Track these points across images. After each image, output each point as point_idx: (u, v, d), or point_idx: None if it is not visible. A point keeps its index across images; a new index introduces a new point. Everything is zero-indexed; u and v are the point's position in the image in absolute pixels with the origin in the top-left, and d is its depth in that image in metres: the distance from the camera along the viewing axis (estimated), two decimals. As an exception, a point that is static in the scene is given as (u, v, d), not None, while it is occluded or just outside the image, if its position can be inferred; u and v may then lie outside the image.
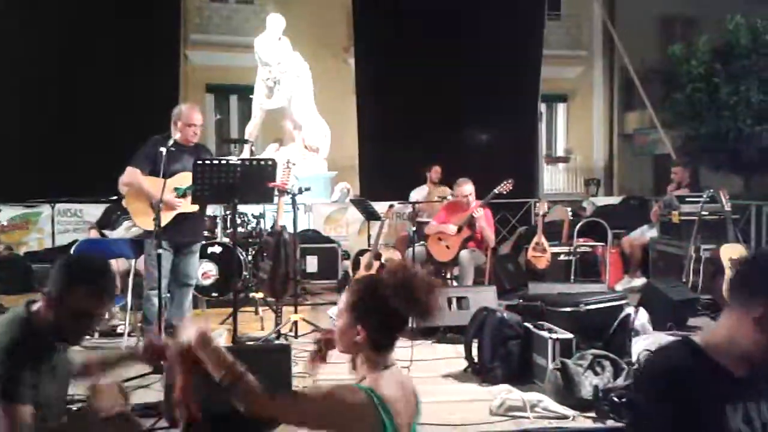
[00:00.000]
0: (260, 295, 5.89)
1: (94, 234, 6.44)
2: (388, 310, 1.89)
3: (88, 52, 9.33)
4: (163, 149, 4.45)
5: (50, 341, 2.20)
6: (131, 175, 4.67)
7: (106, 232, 6.38)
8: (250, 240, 6.93)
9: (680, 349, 1.60)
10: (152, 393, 3.73)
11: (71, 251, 4.99)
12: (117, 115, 8.94)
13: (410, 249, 6.48)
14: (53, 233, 7.07)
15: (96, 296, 2.19)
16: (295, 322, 5.17)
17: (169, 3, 10.34)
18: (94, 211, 7.49)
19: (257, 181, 4.63)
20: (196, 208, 4.72)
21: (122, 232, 5.42)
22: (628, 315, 4.35)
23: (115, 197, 6.01)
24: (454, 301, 5.27)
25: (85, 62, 9.32)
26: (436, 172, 8.44)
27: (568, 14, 15.63)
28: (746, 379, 1.47)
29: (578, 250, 6.99)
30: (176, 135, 4.68)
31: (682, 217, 6.61)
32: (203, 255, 6.12)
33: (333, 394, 1.80)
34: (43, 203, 7.98)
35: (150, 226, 4.50)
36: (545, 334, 4.01)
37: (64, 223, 8.01)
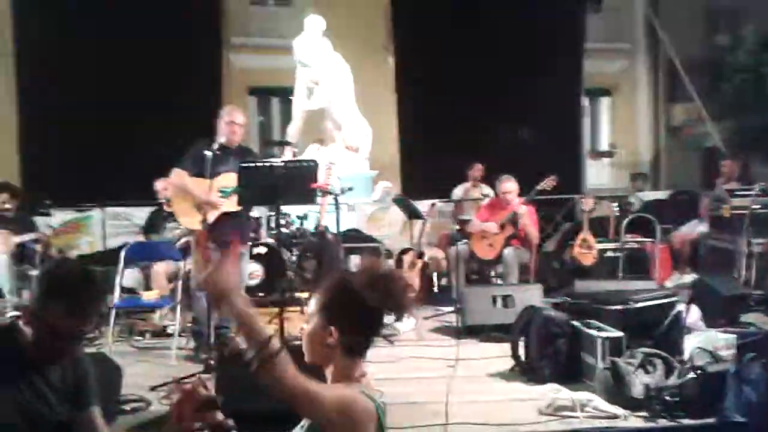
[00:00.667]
0: (306, 294, 5.94)
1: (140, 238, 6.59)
2: (364, 307, 1.78)
3: (132, 58, 9.52)
4: (209, 152, 4.53)
5: (33, 359, 1.99)
6: (177, 176, 4.78)
7: (151, 235, 6.51)
8: (294, 240, 6.99)
9: None
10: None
11: (121, 254, 5.10)
12: (162, 120, 9.11)
13: (453, 247, 6.45)
14: (104, 236, 7.25)
15: (75, 313, 1.94)
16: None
17: (209, 7, 10.50)
18: (143, 214, 7.66)
19: (299, 183, 4.68)
20: (240, 207, 4.78)
21: (168, 235, 5.55)
22: (680, 312, 4.27)
23: (157, 203, 6.13)
24: (499, 299, 5.25)
25: (130, 68, 9.51)
26: (478, 170, 8.38)
27: (609, 6, 15.33)
28: None
29: (626, 246, 6.87)
30: (222, 138, 4.76)
31: (733, 211, 6.45)
32: (249, 256, 6.20)
33: (344, 397, 1.71)
34: (94, 207, 8.18)
35: (193, 226, 4.61)
36: (594, 332, 3.96)
37: (115, 227, 8.19)
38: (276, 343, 1.63)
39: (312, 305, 1.85)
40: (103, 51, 9.48)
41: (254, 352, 1.62)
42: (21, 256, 5.78)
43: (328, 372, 1.82)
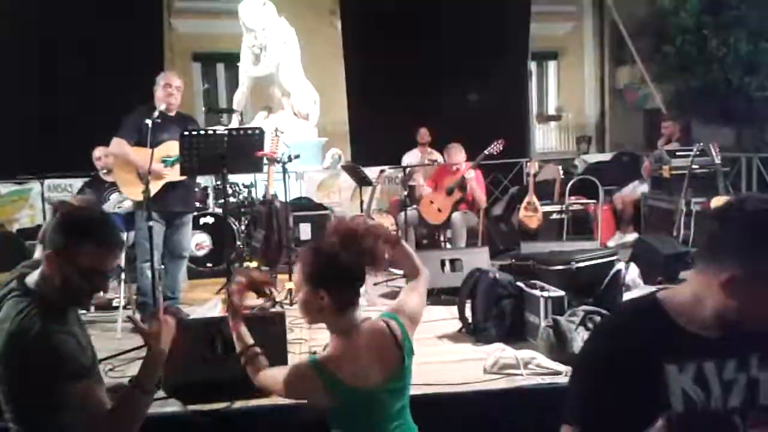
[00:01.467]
0: (254, 264, 5.91)
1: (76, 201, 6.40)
2: (342, 266, 1.96)
3: (70, 24, 9.17)
4: (149, 121, 4.43)
5: (63, 306, 2.04)
6: (118, 145, 4.68)
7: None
8: (242, 210, 6.92)
9: (640, 302, 1.61)
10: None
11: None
12: (101, 87, 8.83)
13: (402, 213, 6.49)
14: (44, 209, 7.05)
15: (105, 250, 2.02)
16: (290, 290, 5.20)
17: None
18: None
19: (246, 151, 4.63)
20: (183, 177, 4.72)
21: (112, 206, 5.40)
22: (619, 271, 4.40)
23: (92, 174, 5.98)
24: (447, 263, 5.31)
25: (67, 34, 9.17)
26: (423, 134, 8.38)
27: (556, -31, 15.41)
28: (710, 339, 1.42)
29: (570, 208, 7.03)
30: (161, 105, 4.66)
31: (673, 172, 6.63)
32: (196, 226, 6.12)
33: (287, 382, 2.01)
34: (33, 179, 7.94)
35: (138, 197, 4.53)
36: (537, 292, 4.05)
37: (55, 199, 7.98)
38: (256, 349, 2.18)
39: (296, 278, 2.08)
40: (41, 17, 9.10)
41: (240, 353, 2.19)
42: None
43: (329, 329, 2.06)
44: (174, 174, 4.65)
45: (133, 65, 8.80)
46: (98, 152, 5.76)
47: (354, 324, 2.02)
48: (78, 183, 7.73)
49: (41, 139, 8.76)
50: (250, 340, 2.21)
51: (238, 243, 6.52)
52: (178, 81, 4.85)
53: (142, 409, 2.06)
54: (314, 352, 3.88)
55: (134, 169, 4.63)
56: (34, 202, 8.09)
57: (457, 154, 6.44)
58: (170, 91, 4.73)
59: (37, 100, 9.03)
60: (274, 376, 2.08)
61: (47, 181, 7.39)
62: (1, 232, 7.30)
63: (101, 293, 2.23)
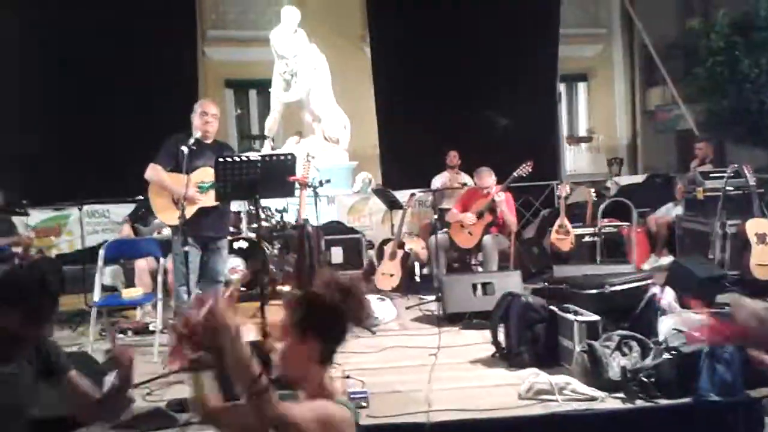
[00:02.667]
0: (287, 288, 5.95)
1: (127, 228, 6.54)
2: (335, 319, 1.91)
3: (108, 53, 9.42)
4: (185, 147, 4.52)
5: None
6: (153, 171, 4.76)
7: (139, 226, 6.49)
8: (274, 234, 7.00)
9: None
10: (186, 389, 3.81)
11: (101, 252, 5.07)
12: (138, 115, 9.04)
13: (433, 236, 6.50)
14: (82, 235, 7.20)
15: (22, 318, 2.00)
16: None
17: (186, 0, 10.42)
18: (121, 210, 7.63)
19: (278, 176, 4.67)
20: (217, 202, 4.77)
21: (151, 232, 5.53)
22: (654, 294, 4.34)
23: (141, 197, 6.11)
24: (480, 286, 5.31)
25: (106, 64, 9.42)
26: (453, 157, 8.43)
27: (584, -9, 15.42)
28: None
29: (603, 230, 6.95)
30: (196, 133, 4.75)
31: (707, 194, 6.53)
32: (229, 250, 6.19)
33: (323, 413, 1.81)
34: (71, 206, 8.12)
35: (173, 221, 4.61)
36: (571, 316, 4.01)
37: (93, 224, 8.16)
38: (264, 380, 1.74)
39: (281, 323, 1.93)
40: (78, 47, 9.37)
41: (246, 387, 1.73)
42: None
43: (304, 386, 1.91)
44: (208, 200, 4.72)
45: (170, 92, 9.02)
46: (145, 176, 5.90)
47: (328, 383, 1.93)
48: (115, 209, 7.92)
49: (79, 165, 8.97)
50: (257, 370, 1.89)
51: (271, 267, 6.58)
52: (215, 109, 4.93)
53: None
54: (347, 376, 3.90)
55: (169, 194, 4.72)
56: (72, 228, 8.27)
57: (487, 177, 6.44)
58: (207, 119, 4.81)
59: (75, 127, 9.26)
60: (299, 410, 1.83)
61: (85, 207, 7.55)
62: (39, 257, 7.47)
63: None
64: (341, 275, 2.00)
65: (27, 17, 9.30)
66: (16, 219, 6.75)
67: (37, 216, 8.11)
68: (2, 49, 9.50)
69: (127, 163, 5.88)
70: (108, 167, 8.46)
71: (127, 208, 7.05)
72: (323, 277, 1.99)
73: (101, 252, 5.10)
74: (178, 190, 4.57)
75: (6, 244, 5.79)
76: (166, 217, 4.79)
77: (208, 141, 4.87)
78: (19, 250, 6.01)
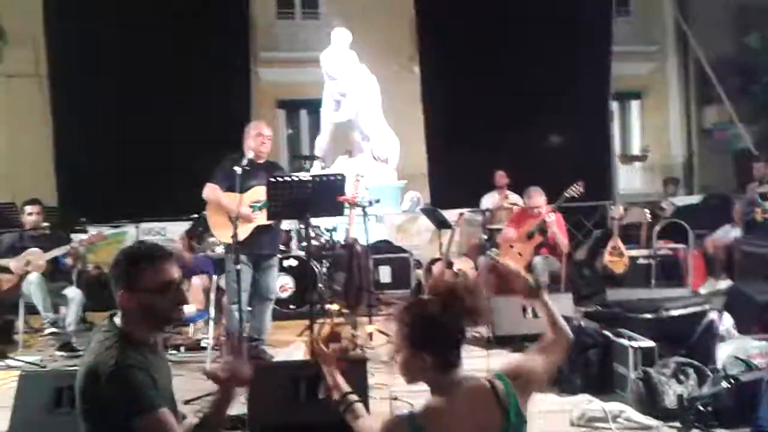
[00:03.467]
0: (336, 306, 5.98)
1: (180, 244, 6.68)
2: (443, 327, 1.89)
3: (163, 75, 9.71)
4: (238, 168, 4.61)
5: (146, 340, 2.16)
6: (210, 190, 4.91)
7: (194, 244, 6.62)
8: (323, 252, 7.06)
9: None
10: (236, 405, 3.85)
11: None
12: (193, 135, 9.28)
13: (482, 257, 6.45)
14: (138, 252, 7.35)
15: (159, 263, 2.15)
16: (370, 334, 5.24)
17: (239, 23, 10.66)
18: (177, 228, 7.80)
19: (328, 196, 4.75)
20: (270, 221, 4.89)
21: (206, 249, 5.66)
22: (712, 320, 4.21)
23: (196, 215, 6.24)
24: (530, 309, 5.21)
25: (161, 85, 9.71)
26: (500, 176, 8.33)
27: (637, 9, 15.21)
28: None
29: (658, 253, 6.79)
30: (249, 153, 4.85)
31: (766, 215, 6.34)
32: (279, 268, 6.27)
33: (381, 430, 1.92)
34: (128, 223, 8.34)
35: (228, 239, 4.70)
36: (626, 342, 3.93)
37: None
38: (353, 396, 2.15)
39: (393, 336, 1.97)
40: (135, 68, 9.68)
41: (338, 402, 2.16)
42: (55, 272, 5.87)
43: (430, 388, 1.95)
44: (262, 218, 4.83)
45: (224, 113, 9.23)
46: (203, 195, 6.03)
47: (455, 382, 1.92)
48: (171, 226, 8.10)
49: (137, 184, 9.23)
50: (347, 388, 2.18)
51: (320, 285, 6.63)
52: (269, 130, 5.07)
53: None
54: (395, 397, 3.88)
55: (225, 213, 4.83)
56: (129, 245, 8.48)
57: (537, 197, 6.36)
58: (261, 140, 4.95)
59: (133, 147, 9.55)
60: (371, 426, 2.05)
61: (142, 225, 7.74)
62: (97, 273, 7.68)
63: (184, 308, 2.32)
64: (453, 276, 2.03)
65: (91, 41, 9.66)
66: (75, 237, 6.97)
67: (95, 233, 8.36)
68: (67, 69, 9.91)
69: (183, 182, 6.05)
70: (164, 186, 8.68)
71: (182, 226, 7.20)
72: (430, 283, 2.03)
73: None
74: (234, 209, 4.69)
75: (57, 256, 5.93)
76: (223, 235, 4.91)
77: (261, 161, 4.98)
78: (70, 261, 6.17)
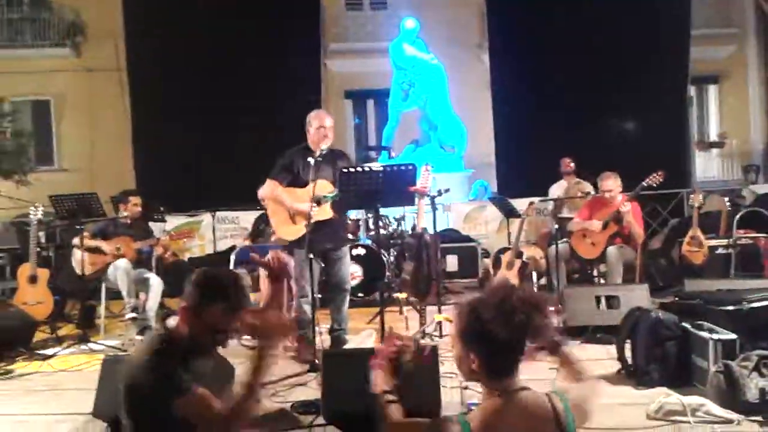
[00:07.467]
0: (404, 295, 6.01)
1: (247, 243, 6.87)
2: (491, 337, 1.80)
3: (236, 68, 9.95)
4: (311, 159, 4.61)
5: (186, 352, 2.18)
6: (270, 188, 4.83)
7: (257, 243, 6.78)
8: (391, 241, 7.10)
9: None
10: (310, 391, 3.95)
11: (231, 257, 5.33)
12: (264, 127, 9.49)
13: (553, 246, 6.34)
14: (214, 240, 7.61)
15: (233, 312, 2.19)
16: (439, 323, 5.24)
17: (309, 15, 10.81)
18: (249, 217, 8.01)
19: (399, 186, 4.73)
20: (330, 214, 4.77)
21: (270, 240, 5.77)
22: (797, 313, 4.03)
23: (262, 209, 6.36)
24: (603, 299, 5.12)
25: (234, 78, 9.95)
26: (566, 163, 8.07)
27: (716, -9, 14.62)
28: None
29: (738, 242, 6.53)
30: (312, 145, 4.76)
31: None
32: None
33: (430, 427, 1.89)
34: (204, 212, 8.62)
35: (290, 236, 4.70)
36: (706, 334, 3.80)
37: (223, 230, 8.63)
38: (389, 396, 2.02)
39: (449, 329, 1.95)
40: (208, 62, 9.96)
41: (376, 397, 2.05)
42: (138, 260, 6.12)
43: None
44: (322, 213, 4.69)
45: (294, 104, 9.36)
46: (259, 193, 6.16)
47: (509, 390, 1.85)
48: (244, 216, 8.31)
49: (211, 175, 9.51)
50: (386, 386, 2.06)
51: (388, 274, 6.67)
52: (330, 121, 4.90)
53: (249, 411, 2.12)
54: (466, 387, 3.88)
55: (286, 210, 4.79)
56: (204, 233, 8.77)
57: (611, 180, 6.17)
58: (324, 132, 4.78)
59: (208, 137, 9.84)
60: (418, 423, 1.94)
61: (218, 214, 7.98)
62: (174, 260, 7.95)
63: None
64: (517, 290, 1.91)
65: (167, 37, 9.97)
66: (153, 225, 7.25)
67: (173, 222, 8.66)
68: (144, 63, 10.27)
69: (254, 172, 6.17)
70: (237, 176, 8.89)
71: (255, 215, 7.39)
72: (494, 286, 1.96)
73: (232, 257, 5.34)
74: (296, 206, 4.69)
75: (146, 247, 6.20)
76: (285, 232, 4.83)
77: (324, 152, 4.88)
78: (157, 251, 6.42)
